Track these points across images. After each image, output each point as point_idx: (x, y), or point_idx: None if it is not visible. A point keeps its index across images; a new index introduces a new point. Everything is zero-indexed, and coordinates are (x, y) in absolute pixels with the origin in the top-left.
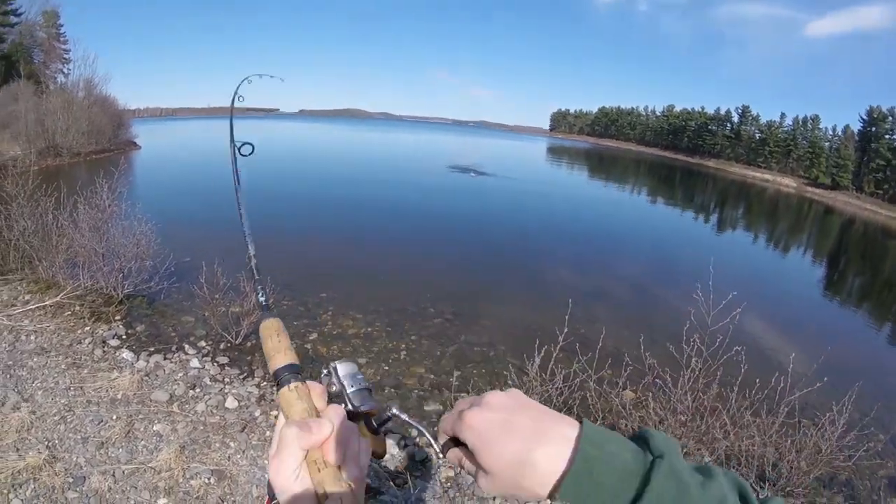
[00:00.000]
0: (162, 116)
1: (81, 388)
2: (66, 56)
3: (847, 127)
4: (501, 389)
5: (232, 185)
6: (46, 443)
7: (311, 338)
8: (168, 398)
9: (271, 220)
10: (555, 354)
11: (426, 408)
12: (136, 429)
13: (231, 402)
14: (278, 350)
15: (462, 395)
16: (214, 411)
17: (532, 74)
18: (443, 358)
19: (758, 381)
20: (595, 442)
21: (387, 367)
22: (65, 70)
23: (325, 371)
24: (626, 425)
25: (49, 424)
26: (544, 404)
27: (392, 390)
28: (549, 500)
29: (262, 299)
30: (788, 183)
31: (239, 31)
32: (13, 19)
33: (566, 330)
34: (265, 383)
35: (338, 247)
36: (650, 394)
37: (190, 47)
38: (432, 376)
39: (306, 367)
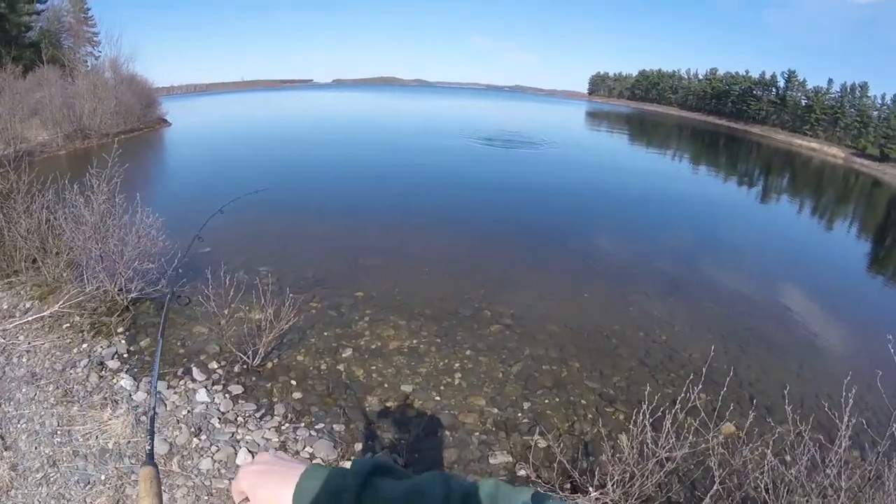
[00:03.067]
0: (195, 92)
1: (69, 432)
2: (95, 39)
3: None
4: None
5: None
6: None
7: (344, 355)
8: (167, 450)
9: (302, 200)
10: (672, 416)
11: (492, 461)
12: (126, 496)
13: (243, 458)
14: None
15: (534, 438)
16: (223, 471)
17: (569, 37)
18: (506, 382)
19: None
20: (313, 476)
21: (438, 398)
22: (95, 53)
23: None
24: None
25: (30, 485)
26: None
27: (449, 434)
28: None
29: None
30: (835, 153)
31: (270, 3)
32: (39, 6)
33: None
34: (287, 424)
35: (375, 231)
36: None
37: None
38: (496, 411)
39: (339, 398)
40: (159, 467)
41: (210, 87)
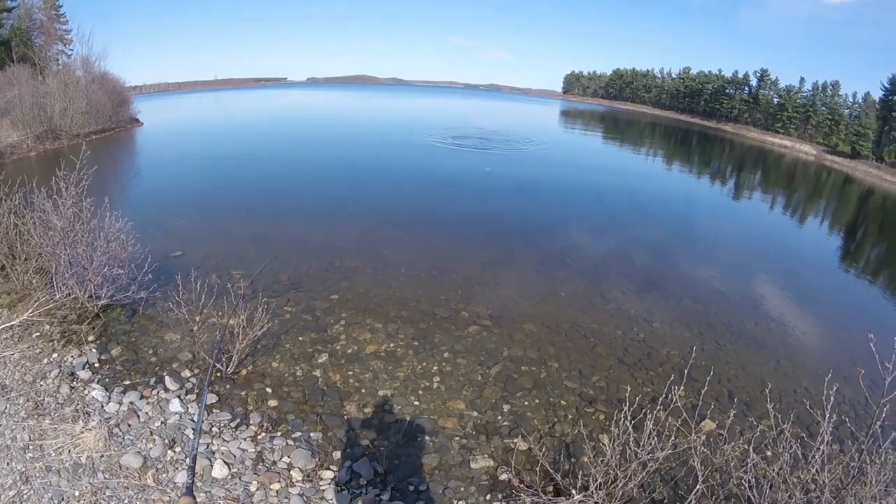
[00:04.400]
0: (168, 91)
1: (41, 447)
2: (66, 37)
3: (868, 94)
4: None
5: None
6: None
7: (320, 360)
8: (141, 464)
9: (275, 202)
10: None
11: (473, 465)
12: None
13: (219, 470)
14: None
15: (515, 441)
16: (199, 484)
17: (544, 36)
18: (486, 385)
19: None
20: None
21: (417, 403)
22: (67, 51)
23: None
24: None
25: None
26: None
27: (429, 440)
28: None
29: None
30: (807, 150)
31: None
32: (10, 3)
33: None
34: (263, 434)
35: (350, 233)
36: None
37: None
38: (476, 414)
39: (316, 405)
40: (136, 475)
41: (183, 86)
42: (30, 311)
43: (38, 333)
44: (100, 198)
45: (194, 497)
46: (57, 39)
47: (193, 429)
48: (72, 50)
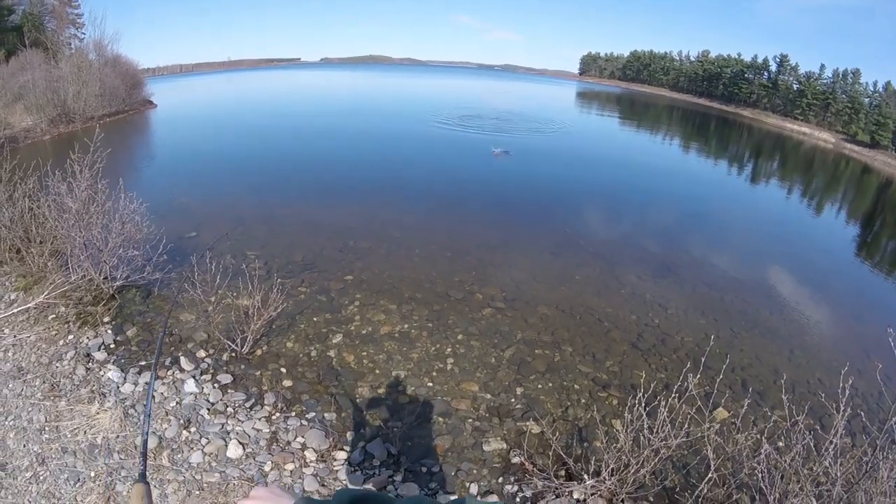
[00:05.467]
0: (182, 73)
1: (57, 428)
2: (79, 20)
3: (889, 84)
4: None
5: None
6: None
7: (334, 341)
8: (156, 444)
9: (290, 182)
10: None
11: (486, 448)
12: (117, 493)
13: (234, 450)
14: None
15: (528, 424)
16: (213, 464)
17: (560, 17)
18: (499, 367)
19: None
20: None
21: (431, 384)
22: (79, 35)
23: None
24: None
25: (20, 484)
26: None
27: (441, 421)
28: None
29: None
30: (826, 137)
31: None
32: None
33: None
34: (277, 414)
35: (365, 214)
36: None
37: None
38: (489, 396)
39: (330, 385)
40: (151, 455)
41: (196, 68)
42: (45, 293)
43: (53, 315)
44: (114, 180)
45: (148, 483)
46: (69, 23)
47: (208, 409)
48: (84, 34)
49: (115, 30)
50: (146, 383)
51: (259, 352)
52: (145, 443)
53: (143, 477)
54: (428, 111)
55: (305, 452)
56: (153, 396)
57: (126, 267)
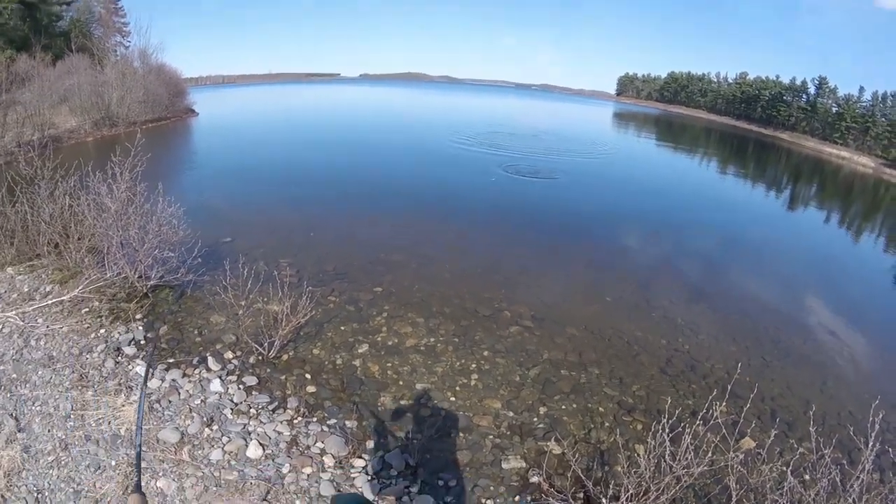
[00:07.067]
0: (224, 83)
1: (82, 416)
2: (125, 29)
3: None
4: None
5: None
6: (35, 494)
7: (360, 351)
8: (178, 439)
9: (326, 194)
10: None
11: (504, 465)
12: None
13: (254, 450)
14: None
15: (549, 444)
16: (233, 462)
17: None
18: (523, 386)
19: None
20: None
21: (454, 399)
22: (125, 42)
23: None
24: None
25: (41, 468)
26: None
27: (462, 436)
28: None
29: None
30: (865, 162)
31: None
32: None
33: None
34: (299, 419)
35: (398, 228)
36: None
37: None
38: (511, 414)
39: (353, 394)
40: (172, 449)
41: (238, 79)
42: (80, 287)
43: (87, 309)
44: (153, 183)
45: (143, 494)
46: (115, 31)
47: (231, 409)
48: (130, 42)
49: (160, 40)
50: (173, 380)
51: (285, 357)
52: (139, 455)
53: (138, 488)
54: (466, 130)
55: (324, 458)
56: (178, 392)
57: (161, 267)
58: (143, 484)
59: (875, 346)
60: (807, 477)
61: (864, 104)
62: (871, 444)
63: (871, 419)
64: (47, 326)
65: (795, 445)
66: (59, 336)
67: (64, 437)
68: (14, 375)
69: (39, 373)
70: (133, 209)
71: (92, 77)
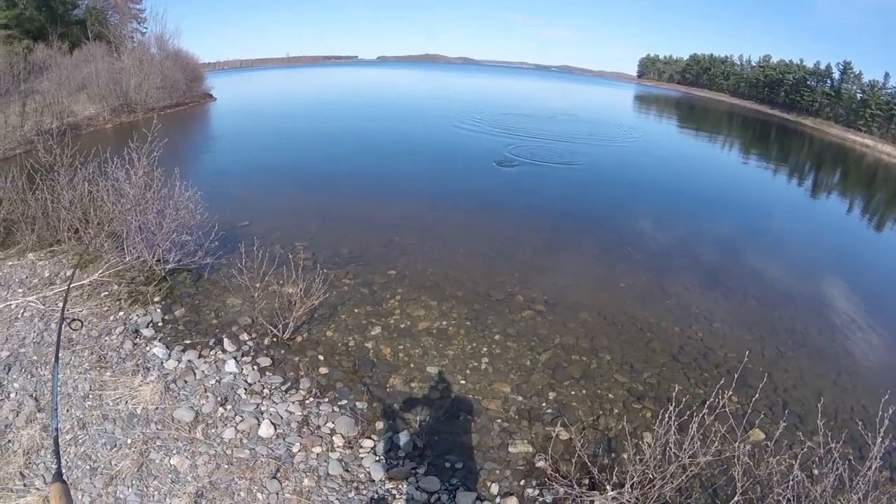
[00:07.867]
0: (241, 68)
1: (100, 396)
2: (141, 15)
3: None
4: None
5: None
6: (54, 470)
7: (373, 333)
8: (193, 418)
9: (341, 178)
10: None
11: (511, 449)
12: (150, 460)
13: (266, 429)
14: None
15: (556, 429)
16: (245, 441)
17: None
18: (534, 370)
19: None
20: None
21: (463, 382)
22: (141, 29)
23: None
24: None
25: (60, 445)
26: None
27: (471, 419)
28: None
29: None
30: (890, 151)
31: None
32: None
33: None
34: (311, 399)
35: (412, 211)
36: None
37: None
38: (520, 398)
39: (364, 376)
40: (186, 428)
41: (256, 63)
42: (100, 271)
43: (106, 293)
44: (171, 168)
45: (65, 482)
46: (131, 18)
47: (245, 389)
48: (146, 28)
49: (177, 25)
50: (189, 361)
51: (299, 338)
52: (56, 440)
53: (59, 476)
54: (485, 113)
55: (334, 438)
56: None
57: (179, 251)
58: (139, 465)
59: (893, 342)
60: (815, 471)
61: (890, 91)
62: (879, 440)
63: (879, 414)
64: (67, 310)
65: (804, 438)
66: (78, 319)
67: (82, 416)
68: (35, 357)
69: (60, 355)
70: (151, 194)
71: (109, 64)
